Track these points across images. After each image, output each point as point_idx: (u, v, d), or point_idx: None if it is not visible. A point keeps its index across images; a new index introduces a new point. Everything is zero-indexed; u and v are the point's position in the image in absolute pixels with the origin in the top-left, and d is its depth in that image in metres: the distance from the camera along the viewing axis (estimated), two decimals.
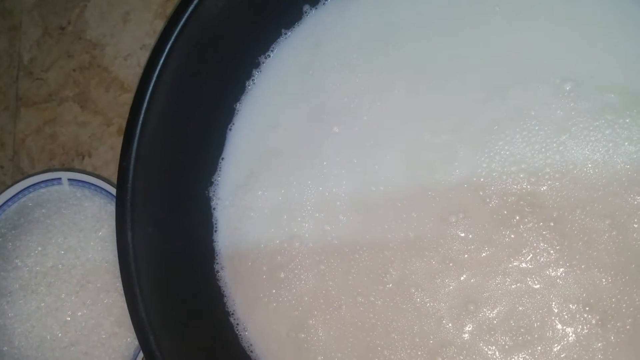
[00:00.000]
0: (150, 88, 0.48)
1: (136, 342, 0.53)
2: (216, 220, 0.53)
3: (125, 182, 0.47)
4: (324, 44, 0.52)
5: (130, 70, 0.65)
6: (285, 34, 0.53)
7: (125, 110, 0.60)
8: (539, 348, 0.44)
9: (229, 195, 0.53)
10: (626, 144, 0.45)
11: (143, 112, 0.48)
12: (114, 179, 0.54)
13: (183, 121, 0.52)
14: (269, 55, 0.53)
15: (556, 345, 0.44)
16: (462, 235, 0.47)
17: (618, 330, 0.43)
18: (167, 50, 0.47)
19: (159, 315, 0.46)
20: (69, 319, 0.51)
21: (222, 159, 0.54)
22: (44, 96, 0.67)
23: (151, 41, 0.64)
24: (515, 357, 0.44)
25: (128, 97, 0.64)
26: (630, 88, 0.45)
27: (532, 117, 0.47)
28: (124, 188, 0.47)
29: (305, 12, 0.53)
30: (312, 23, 0.52)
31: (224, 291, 0.51)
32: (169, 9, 0.64)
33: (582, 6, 0.47)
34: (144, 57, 0.64)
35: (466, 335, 0.45)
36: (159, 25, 0.64)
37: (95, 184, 0.56)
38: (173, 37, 0.47)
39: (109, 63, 0.66)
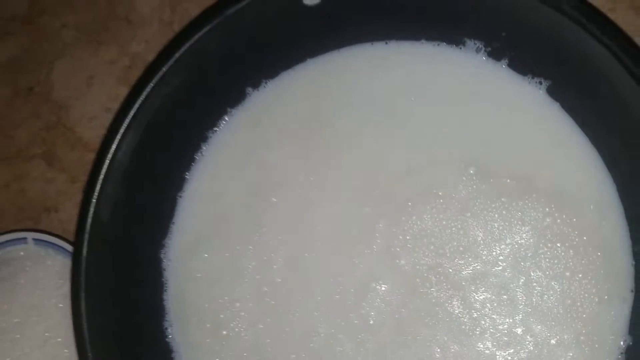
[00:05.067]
0: (109, 159, 0.53)
1: None
2: (166, 280, 0.58)
3: (81, 243, 0.52)
4: (263, 123, 0.58)
5: (95, 132, 0.70)
6: (230, 112, 0.59)
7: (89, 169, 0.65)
8: None
9: (178, 257, 0.58)
10: (519, 224, 0.52)
11: (102, 174, 0.53)
12: None
13: (137, 186, 0.57)
14: (216, 131, 0.59)
15: None
16: (382, 299, 0.53)
17: None
18: (125, 123, 0.53)
19: None
20: None
21: (173, 223, 0.59)
22: (12, 153, 0.71)
23: (114, 105, 0.69)
24: None
25: (92, 157, 0.69)
26: (525, 175, 0.52)
27: (439, 196, 0.53)
28: (80, 251, 0.52)
29: (248, 93, 0.59)
30: (253, 103, 0.58)
31: (172, 346, 0.57)
32: (131, 77, 0.69)
33: (487, 104, 0.54)
34: (107, 120, 0.69)
35: None
36: (122, 90, 0.69)
37: (58, 244, 0.61)
38: (133, 111, 0.52)
39: (74, 124, 0.71)
